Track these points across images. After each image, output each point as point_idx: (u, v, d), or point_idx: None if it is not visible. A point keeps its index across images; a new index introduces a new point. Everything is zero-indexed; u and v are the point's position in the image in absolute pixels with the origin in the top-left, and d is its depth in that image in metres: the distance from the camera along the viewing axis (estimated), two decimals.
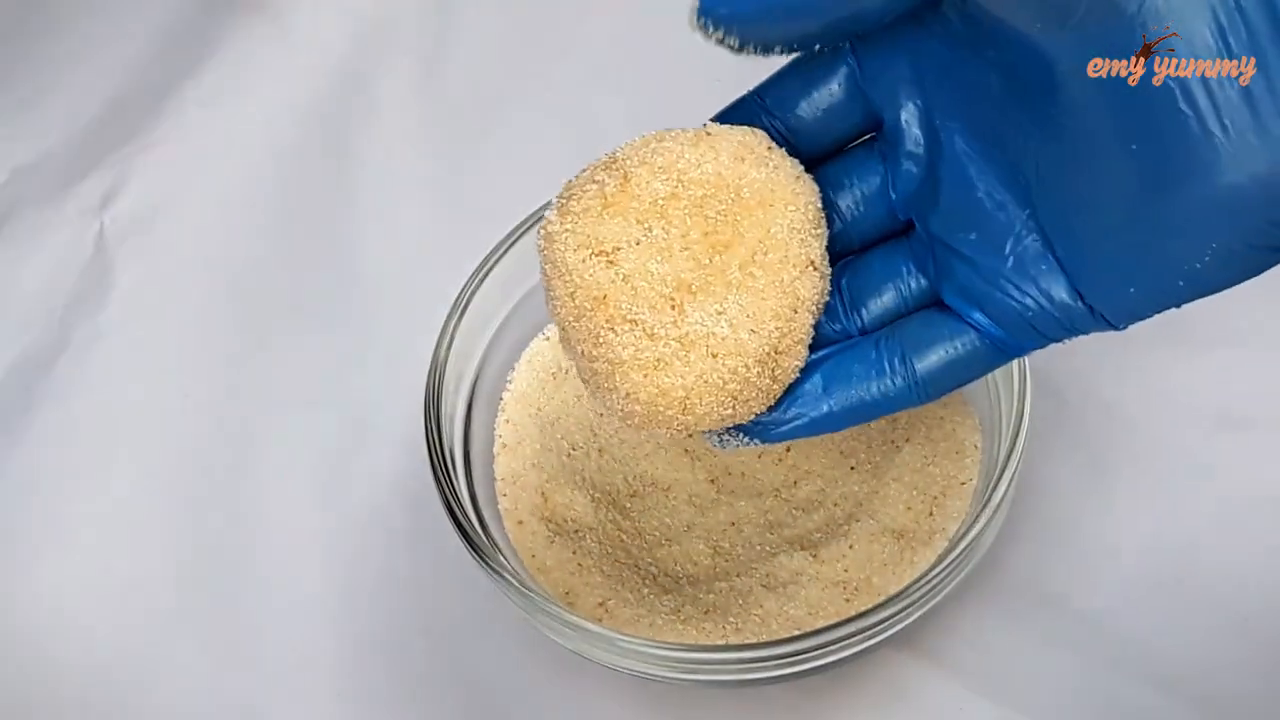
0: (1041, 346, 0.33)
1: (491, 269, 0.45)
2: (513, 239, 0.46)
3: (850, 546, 0.42)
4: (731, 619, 0.41)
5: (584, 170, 0.34)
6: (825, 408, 0.34)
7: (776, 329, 0.33)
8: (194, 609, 0.48)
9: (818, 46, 0.29)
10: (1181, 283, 0.29)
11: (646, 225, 0.32)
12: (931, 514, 0.43)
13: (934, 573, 0.38)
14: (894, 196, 0.34)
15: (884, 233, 0.35)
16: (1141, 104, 0.27)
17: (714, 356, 0.32)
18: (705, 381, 0.32)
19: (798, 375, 0.34)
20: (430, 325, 0.45)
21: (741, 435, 0.35)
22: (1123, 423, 0.48)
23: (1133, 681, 0.43)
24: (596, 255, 0.32)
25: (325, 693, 0.46)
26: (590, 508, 0.45)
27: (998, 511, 0.39)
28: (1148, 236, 0.28)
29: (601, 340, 0.32)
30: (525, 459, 0.46)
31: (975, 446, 0.44)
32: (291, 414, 0.52)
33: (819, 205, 0.33)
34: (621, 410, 0.33)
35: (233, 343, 0.54)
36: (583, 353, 0.33)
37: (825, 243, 0.34)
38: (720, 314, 0.32)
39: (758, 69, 0.32)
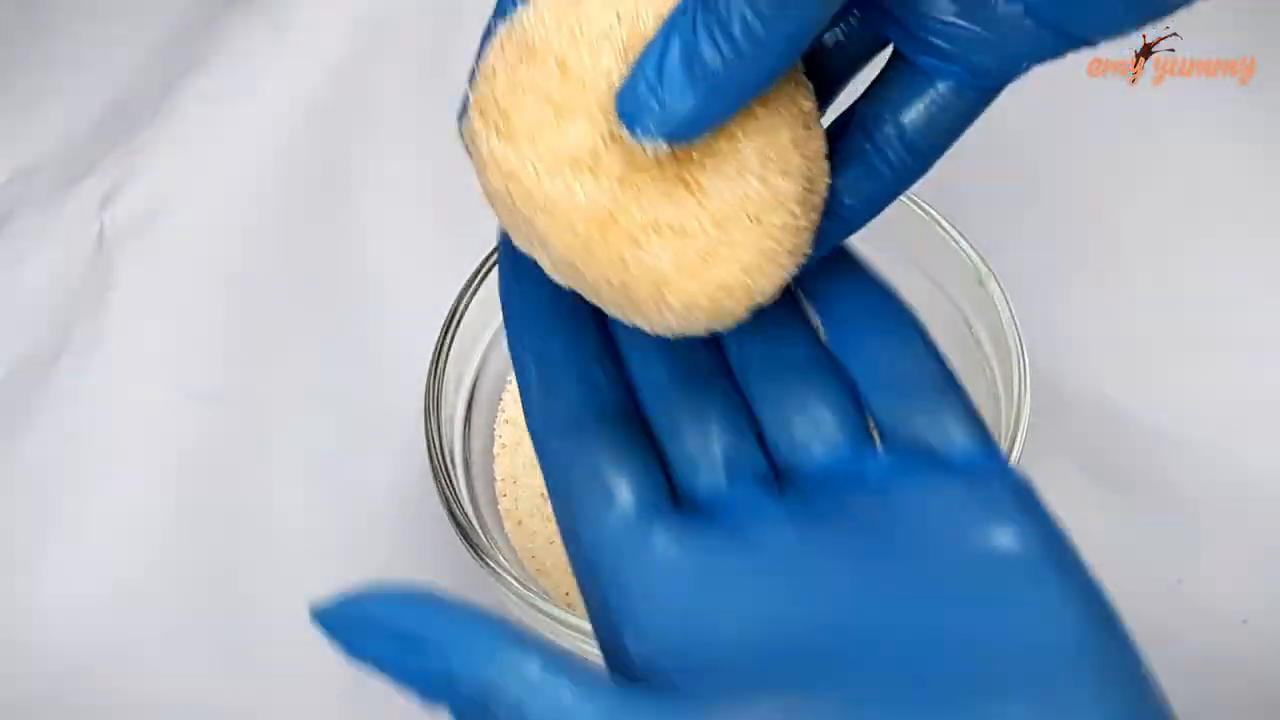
0: (1018, 74, 0.28)
1: (491, 269, 0.45)
2: None
3: None
4: None
5: (485, 60, 0.28)
6: (860, 218, 0.30)
7: (801, 159, 0.28)
8: (194, 609, 0.48)
9: None
10: None
11: (611, 114, 0.26)
12: None
13: None
14: None
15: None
16: None
17: (758, 222, 0.28)
18: (760, 251, 0.28)
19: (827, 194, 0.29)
20: (430, 325, 0.45)
21: None
22: (1123, 423, 0.48)
23: None
24: (576, 172, 0.27)
25: (325, 693, 0.46)
26: None
27: None
28: None
29: (629, 262, 0.27)
30: (525, 459, 0.46)
31: None
32: (291, 414, 0.52)
33: None
34: (682, 323, 0.28)
35: (233, 343, 0.54)
36: (609, 283, 0.28)
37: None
38: (741, 170, 0.27)
39: None
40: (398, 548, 0.49)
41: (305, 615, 0.50)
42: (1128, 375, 0.49)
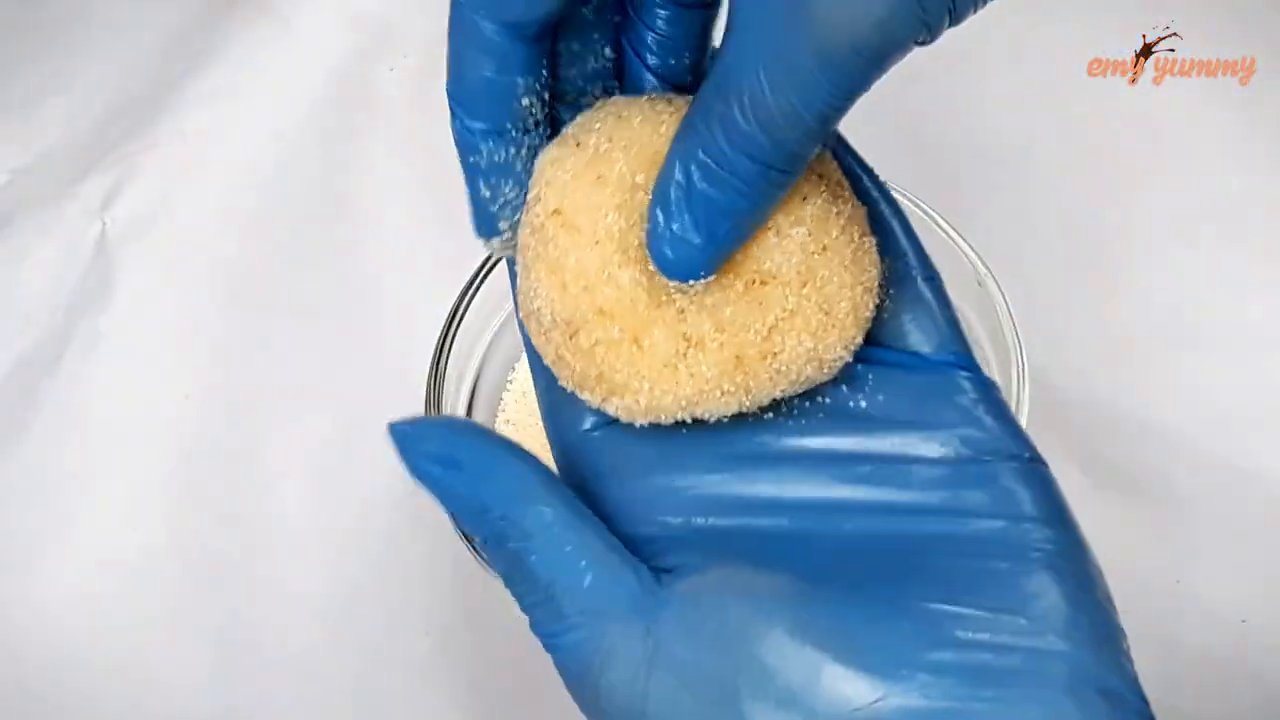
0: None
1: (491, 269, 0.46)
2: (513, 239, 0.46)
3: None
4: None
5: (533, 313, 0.28)
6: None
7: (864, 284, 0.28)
8: (194, 608, 0.48)
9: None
10: None
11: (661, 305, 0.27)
12: None
13: None
14: None
15: None
16: None
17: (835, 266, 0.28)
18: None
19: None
20: (430, 325, 0.45)
21: None
22: (1122, 423, 0.48)
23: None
24: (686, 360, 0.27)
25: (325, 692, 0.46)
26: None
27: None
28: None
29: (778, 373, 0.28)
30: None
31: None
32: (292, 414, 0.52)
33: None
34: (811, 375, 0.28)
35: (233, 342, 0.54)
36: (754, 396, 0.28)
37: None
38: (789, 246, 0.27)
39: None
40: (398, 546, 0.49)
41: (304, 614, 0.51)
42: (1127, 375, 0.49)
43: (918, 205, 0.45)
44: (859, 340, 0.28)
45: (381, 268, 0.56)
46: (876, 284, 0.28)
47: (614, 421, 0.29)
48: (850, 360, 0.28)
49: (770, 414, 0.28)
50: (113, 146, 0.59)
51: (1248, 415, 0.48)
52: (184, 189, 0.59)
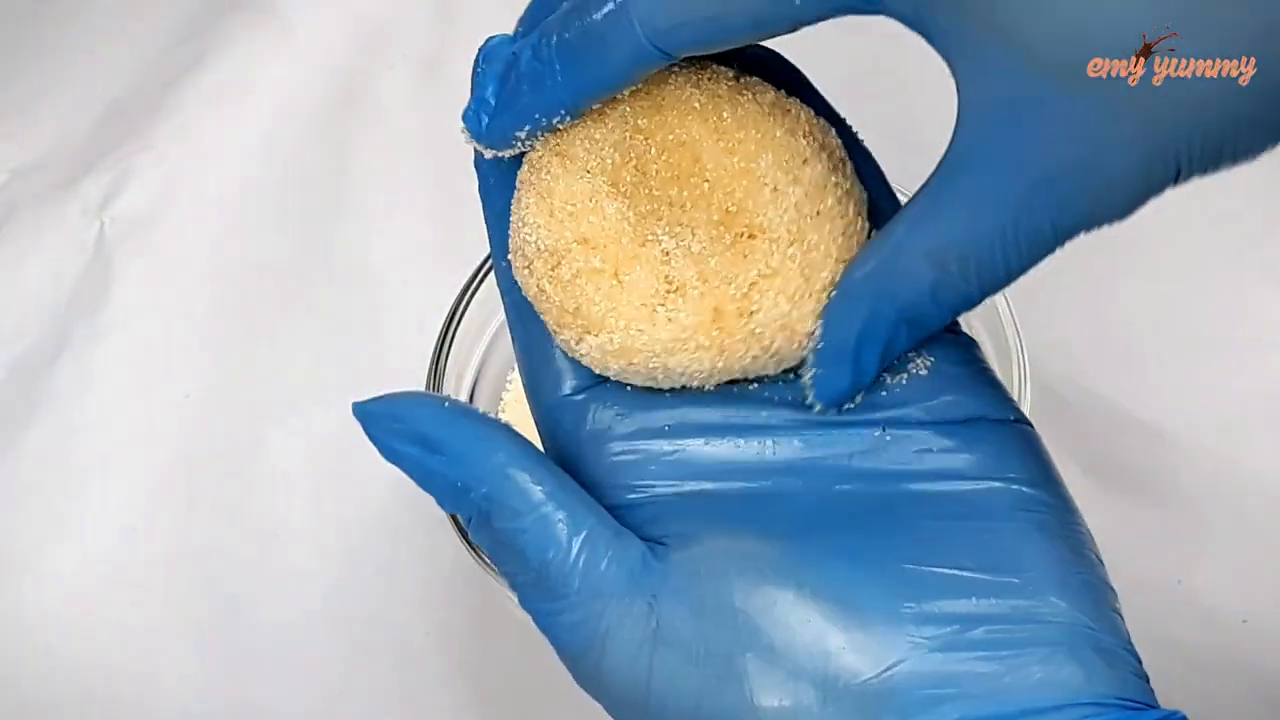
0: None
1: (491, 269, 0.45)
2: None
3: None
4: None
5: (528, 282, 0.28)
6: None
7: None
8: (194, 608, 0.48)
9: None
10: None
11: (648, 241, 0.27)
12: None
13: None
14: None
15: None
16: None
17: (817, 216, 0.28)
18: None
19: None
20: (430, 325, 0.45)
21: None
22: (1122, 423, 0.48)
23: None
24: (668, 304, 0.27)
25: (325, 692, 0.46)
26: None
27: None
28: None
29: (756, 331, 0.27)
30: None
31: None
32: (291, 414, 0.52)
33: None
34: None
35: (233, 342, 0.54)
36: (752, 358, 0.28)
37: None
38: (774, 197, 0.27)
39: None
40: (398, 547, 0.49)
41: (304, 613, 0.51)
42: (1127, 375, 0.49)
43: None
44: None
45: (381, 267, 0.56)
46: None
47: (594, 384, 0.28)
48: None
49: (755, 384, 0.28)
50: (112, 146, 0.59)
51: (1249, 416, 0.48)
52: (183, 189, 0.58)
